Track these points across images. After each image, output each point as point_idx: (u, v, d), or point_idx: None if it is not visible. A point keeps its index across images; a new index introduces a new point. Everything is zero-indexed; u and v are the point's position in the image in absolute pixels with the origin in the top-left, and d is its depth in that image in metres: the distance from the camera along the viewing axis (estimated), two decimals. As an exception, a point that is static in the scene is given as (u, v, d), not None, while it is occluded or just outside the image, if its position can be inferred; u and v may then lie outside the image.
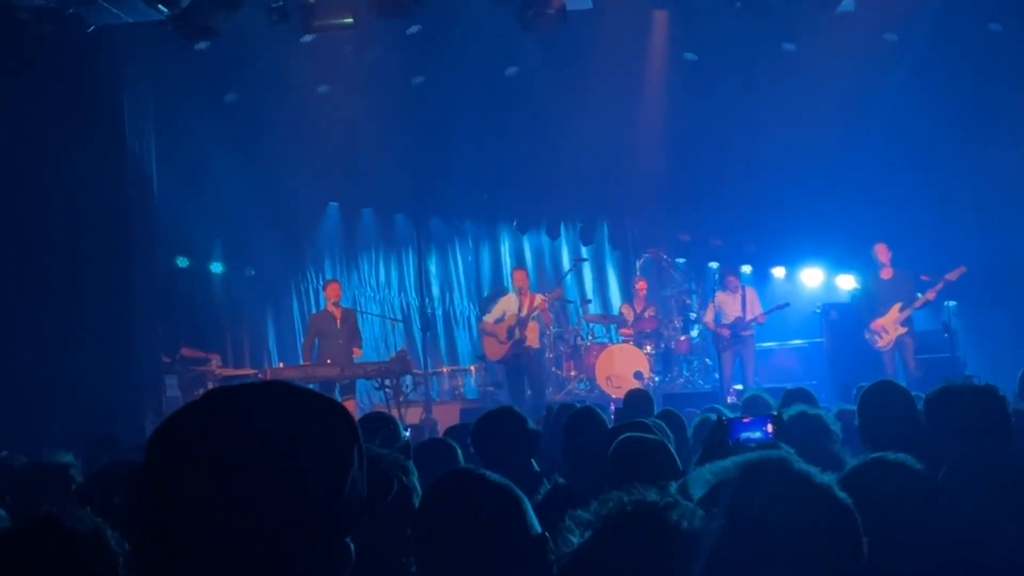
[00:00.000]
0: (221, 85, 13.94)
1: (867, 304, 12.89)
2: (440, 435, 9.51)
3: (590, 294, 17.89)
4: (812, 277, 17.01)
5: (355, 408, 13.06)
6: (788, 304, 14.60)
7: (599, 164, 15.62)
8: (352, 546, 1.47)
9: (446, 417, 12.75)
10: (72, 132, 11.06)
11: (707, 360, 15.35)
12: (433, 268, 18.31)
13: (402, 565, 2.87)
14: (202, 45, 12.11)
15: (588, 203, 17.25)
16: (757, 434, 3.39)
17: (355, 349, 13.04)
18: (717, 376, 14.37)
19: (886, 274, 12.70)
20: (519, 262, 17.93)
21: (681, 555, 1.65)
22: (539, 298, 13.58)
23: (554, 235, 18.58)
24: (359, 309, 16.74)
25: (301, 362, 13.12)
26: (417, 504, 2.98)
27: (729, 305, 14.11)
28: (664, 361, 14.62)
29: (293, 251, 16.53)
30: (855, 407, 5.09)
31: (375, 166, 15.34)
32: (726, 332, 13.93)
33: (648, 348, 14.36)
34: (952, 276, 12.28)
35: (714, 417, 5.92)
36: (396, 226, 18.11)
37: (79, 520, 2.27)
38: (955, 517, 3.04)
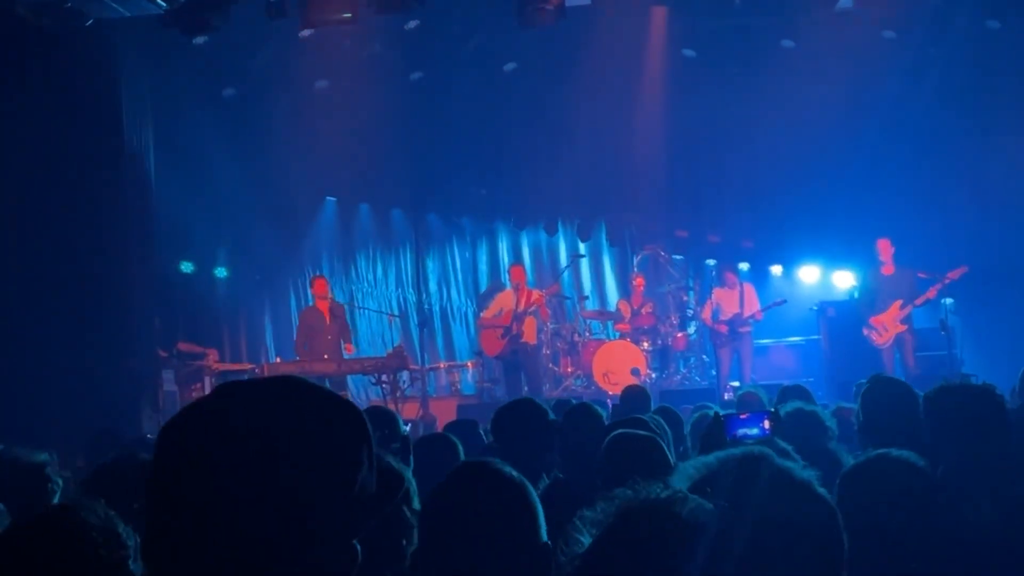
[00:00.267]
0: (219, 80, 13.93)
1: (867, 300, 12.87)
2: (437, 431, 9.53)
3: (587, 290, 17.91)
4: (809, 274, 17.04)
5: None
6: (785, 301, 14.61)
7: (597, 160, 15.62)
8: (359, 547, 1.46)
9: (443, 413, 12.75)
10: (70, 126, 11.04)
11: (704, 357, 15.37)
12: (430, 264, 18.31)
13: (396, 566, 2.86)
14: (200, 40, 12.10)
15: (586, 199, 17.25)
16: (754, 430, 3.39)
17: (347, 345, 13.00)
18: (714, 373, 14.39)
19: (887, 271, 12.69)
20: (516, 258, 17.95)
21: (693, 549, 1.65)
22: (536, 294, 13.58)
23: (552, 231, 18.59)
24: (356, 304, 16.75)
25: (297, 359, 13.10)
26: (416, 503, 2.97)
27: (727, 302, 14.12)
28: (661, 358, 14.63)
29: (290, 245, 16.51)
30: (853, 404, 5.10)
31: (372, 161, 15.32)
32: (724, 329, 13.94)
33: (645, 345, 14.36)
34: (954, 275, 12.27)
35: (711, 413, 5.94)
36: (393, 222, 18.10)
37: (92, 512, 2.27)
38: (956, 514, 3.05)
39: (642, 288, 15.12)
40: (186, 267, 14.38)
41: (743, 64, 14.23)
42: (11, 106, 10.69)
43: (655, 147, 15.36)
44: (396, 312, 17.25)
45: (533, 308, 13.47)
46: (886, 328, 12.48)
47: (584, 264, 18.22)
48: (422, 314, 16.18)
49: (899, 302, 12.50)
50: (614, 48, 13.85)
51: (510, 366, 13.60)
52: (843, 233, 15.42)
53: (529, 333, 13.54)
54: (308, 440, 1.41)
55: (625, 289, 16.83)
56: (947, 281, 12.32)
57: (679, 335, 14.87)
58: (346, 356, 12.99)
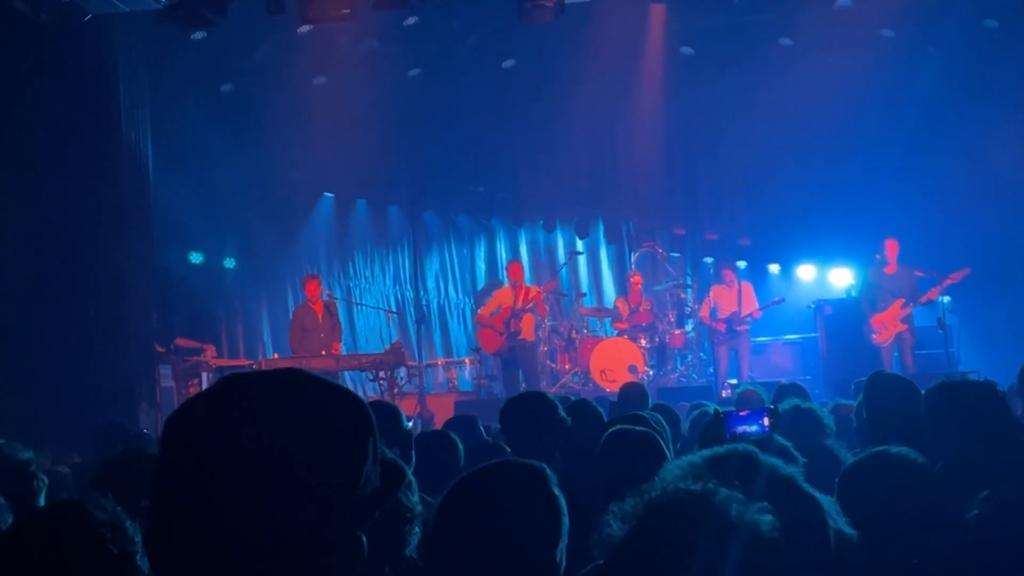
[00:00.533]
0: (217, 75, 13.91)
1: (868, 298, 12.87)
2: (434, 427, 9.53)
3: (585, 287, 17.91)
4: (807, 273, 17.06)
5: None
6: (783, 299, 14.63)
7: (595, 158, 15.65)
8: (365, 539, 1.45)
9: (441, 409, 12.76)
10: (67, 121, 11.03)
11: (701, 355, 15.37)
12: (428, 261, 18.30)
13: (395, 557, 2.86)
14: (198, 35, 12.09)
15: (584, 197, 17.26)
16: (754, 427, 3.39)
17: (335, 344, 12.99)
18: (711, 371, 14.39)
19: (890, 270, 12.69)
20: (514, 255, 17.95)
21: (727, 541, 1.65)
22: (534, 291, 13.59)
23: (550, 228, 18.59)
24: (354, 301, 16.74)
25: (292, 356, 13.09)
26: (416, 496, 2.97)
27: (725, 299, 14.13)
28: (658, 355, 14.62)
29: (287, 241, 16.50)
30: (852, 402, 5.11)
31: (370, 158, 15.31)
32: (721, 327, 13.96)
33: (643, 342, 14.36)
34: (957, 277, 12.26)
35: (710, 411, 5.95)
36: (391, 218, 18.10)
37: (99, 508, 2.26)
38: (955, 510, 3.05)
39: (640, 286, 15.11)
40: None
41: (741, 62, 14.25)
42: (9, 101, 10.69)
43: (653, 144, 15.38)
44: (394, 309, 17.25)
45: (531, 305, 13.48)
46: (886, 327, 12.48)
47: (582, 261, 18.22)
48: (419, 311, 16.16)
49: (900, 301, 12.49)
50: (612, 45, 13.86)
51: (508, 363, 13.60)
52: (841, 231, 15.45)
53: (527, 330, 13.55)
54: (315, 432, 1.41)
55: (623, 286, 16.82)
56: (949, 282, 12.30)
57: (677, 333, 14.87)
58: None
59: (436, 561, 2.41)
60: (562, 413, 4.89)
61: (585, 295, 16.87)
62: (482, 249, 18.93)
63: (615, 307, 15.43)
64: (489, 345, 13.71)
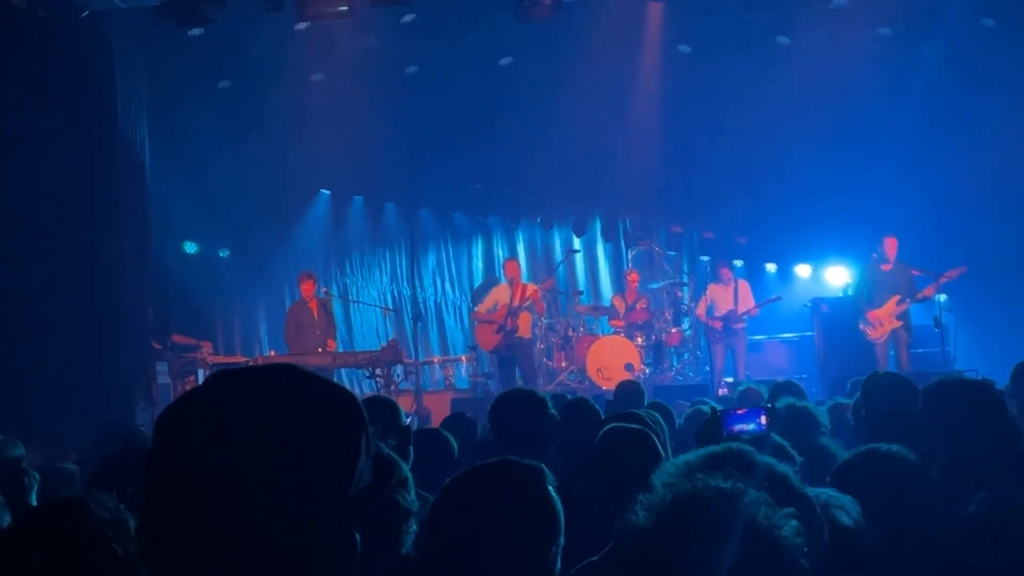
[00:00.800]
0: (215, 72, 13.91)
1: (865, 295, 12.87)
2: (431, 425, 9.54)
3: (582, 285, 17.91)
4: (803, 271, 17.08)
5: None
6: (780, 297, 14.64)
7: (592, 155, 15.64)
8: (358, 536, 1.44)
9: (437, 407, 12.77)
10: (65, 117, 11.01)
11: (698, 353, 15.39)
12: (425, 258, 18.30)
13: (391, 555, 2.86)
14: (196, 31, 12.08)
15: (581, 195, 17.26)
16: (751, 426, 3.40)
17: (329, 341, 12.99)
18: (708, 369, 14.40)
19: (887, 267, 12.69)
20: (511, 253, 17.96)
21: (751, 542, 1.66)
22: (531, 288, 13.59)
23: (546, 226, 18.59)
24: (350, 298, 16.75)
25: (288, 353, 13.09)
26: (413, 492, 2.97)
27: (721, 298, 14.14)
28: (655, 353, 14.63)
29: (284, 237, 16.51)
30: (849, 400, 5.11)
31: (367, 155, 15.32)
32: (718, 325, 13.96)
33: (639, 340, 14.37)
34: (952, 275, 12.26)
35: (705, 408, 5.96)
36: (388, 215, 18.10)
37: (101, 505, 2.26)
38: (949, 508, 3.06)
39: (636, 284, 15.12)
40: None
41: (739, 60, 14.24)
42: (6, 96, 10.67)
43: (650, 142, 15.37)
44: (390, 306, 17.25)
45: (528, 303, 13.49)
46: (881, 323, 12.48)
47: (578, 259, 18.23)
48: (416, 308, 16.17)
49: (896, 297, 12.49)
50: (610, 43, 13.86)
51: (505, 360, 13.61)
52: (837, 230, 15.46)
53: (524, 328, 13.55)
54: (307, 429, 1.40)
55: (619, 284, 16.84)
56: (944, 280, 12.31)
57: (673, 331, 14.88)
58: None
59: (431, 560, 2.40)
60: (552, 410, 4.87)
61: (582, 293, 16.87)
62: (479, 247, 18.93)
63: (612, 305, 15.44)
64: (486, 343, 13.71)
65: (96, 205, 11.25)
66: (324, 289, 13.74)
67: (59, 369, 10.52)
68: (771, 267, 17.39)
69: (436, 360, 16.27)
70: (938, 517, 2.97)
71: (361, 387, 14.71)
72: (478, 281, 18.13)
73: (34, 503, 4.26)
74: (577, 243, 18.14)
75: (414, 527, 2.83)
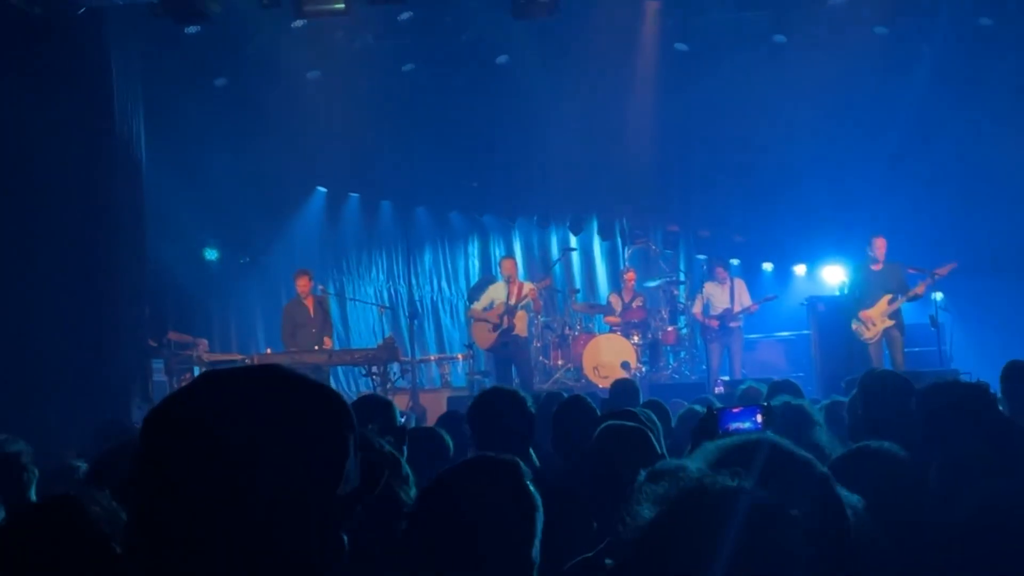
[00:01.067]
0: (211, 69, 13.90)
1: (856, 295, 12.88)
2: (427, 423, 9.54)
3: (578, 284, 17.92)
4: (800, 270, 17.10)
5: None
6: (776, 296, 14.66)
7: (589, 154, 15.64)
8: (345, 538, 1.44)
9: (433, 405, 12.78)
10: (60, 114, 10.99)
11: (694, 351, 15.39)
12: (421, 256, 18.29)
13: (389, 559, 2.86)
14: (192, 29, 12.07)
15: (577, 193, 17.25)
16: (747, 424, 3.40)
17: (326, 339, 12.99)
18: (704, 367, 14.41)
19: (877, 267, 12.70)
20: (508, 251, 17.95)
21: (755, 540, 1.66)
22: (528, 287, 13.58)
23: (543, 224, 18.59)
24: (347, 296, 16.74)
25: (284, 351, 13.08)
26: (413, 489, 2.97)
27: (717, 296, 14.15)
28: (651, 352, 14.63)
29: (281, 235, 16.50)
30: (846, 399, 5.11)
31: (364, 153, 15.33)
32: (714, 323, 13.97)
33: (636, 338, 14.37)
34: (942, 272, 12.25)
35: (698, 407, 5.97)
36: (384, 213, 18.09)
37: (96, 503, 2.25)
38: (940, 506, 3.06)
39: (633, 282, 15.12)
40: (176, 255, 14.33)
41: (735, 59, 14.26)
42: (1, 93, 10.65)
43: (647, 141, 15.37)
44: (386, 304, 17.25)
45: (526, 301, 13.48)
46: (874, 323, 12.47)
47: (575, 257, 18.23)
48: (412, 306, 16.16)
49: (887, 297, 12.49)
50: (607, 41, 13.86)
51: (501, 358, 13.61)
52: (834, 228, 15.46)
53: (520, 326, 13.55)
54: (293, 430, 1.39)
55: (616, 283, 16.84)
56: (936, 277, 12.30)
57: (670, 329, 14.89)
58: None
59: (414, 554, 2.42)
60: (531, 409, 4.86)
61: (578, 291, 16.88)
62: (475, 245, 18.92)
63: (608, 303, 15.44)
64: (482, 341, 13.71)
65: (92, 202, 11.23)
66: (321, 287, 13.73)
67: (55, 367, 10.50)
68: (768, 266, 17.40)
69: (432, 358, 16.26)
70: (928, 515, 2.98)
71: (357, 385, 14.72)
72: (475, 279, 18.11)
73: (34, 499, 4.25)
74: (574, 241, 18.14)
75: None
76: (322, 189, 17.21)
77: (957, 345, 13.53)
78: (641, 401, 7.00)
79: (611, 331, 14.61)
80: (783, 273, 17.23)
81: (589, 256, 18.74)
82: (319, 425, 1.42)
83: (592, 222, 18.48)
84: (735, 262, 16.76)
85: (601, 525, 3.54)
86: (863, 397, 4.83)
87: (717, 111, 15.00)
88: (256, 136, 14.42)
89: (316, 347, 12.60)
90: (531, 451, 4.77)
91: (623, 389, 7.73)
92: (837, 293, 14.99)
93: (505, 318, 13.32)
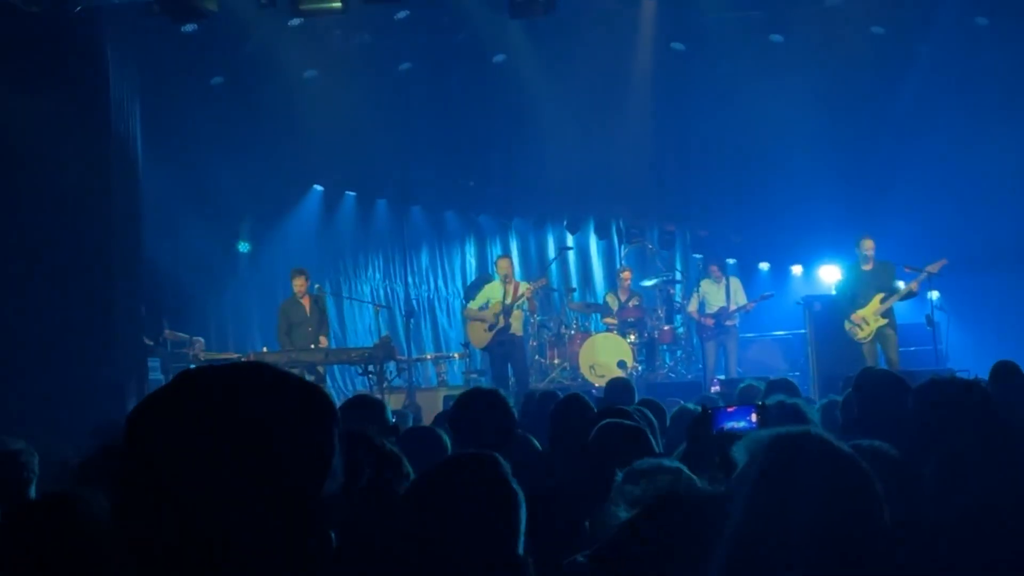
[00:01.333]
0: (208, 68, 13.88)
1: (848, 296, 12.87)
2: (423, 422, 9.54)
3: (575, 283, 17.93)
4: (796, 269, 17.13)
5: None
6: (772, 294, 14.67)
7: (586, 153, 15.63)
8: (333, 535, 1.42)
9: (429, 404, 12.76)
10: (57, 113, 10.99)
11: (691, 350, 15.41)
12: (418, 255, 18.29)
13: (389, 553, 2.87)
14: (189, 27, 12.05)
15: (574, 192, 17.26)
16: (742, 424, 3.41)
17: (322, 338, 12.97)
18: (700, 366, 14.42)
19: (867, 266, 12.69)
20: (504, 250, 17.95)
21: (721, 545, 1.67)
22: (524, 286, 13.57)
23: (540, 223, 18.60)
24: (343, 295, 16.73)
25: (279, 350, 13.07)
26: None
27: (713, 295, 14.16)
28: (647, 351, 14.64)
29: (277, 233, 16.49)
30: (841, 398, 5.12)
31: (360, 151, 15.31)
32: (710, 322, 13.98)
33: (632, 337, 14.37)
34: (933, 268, 12.24)
35: (692, 406, 5.98)
36: (380, 212, 18.08)
37: (88, 501, 2.25)
38: (931, 504, 3.07)
39: (629, 281, 15.14)
40: (172, 253, 14.32)
41: (732, 58, 14.26)
42: (-2, 92, 10.67)
43: (644, 140, 15.38)
44: (383, 303, 17.24)
45: (521, 301, 13.48)
46: (866, 323, 12.45)
47: (572, 256, 18.23)
48: (409, 305, 16.16)
49: (879, 296, 12.47)
50: (603, 40, 13.86)
51: (497, 357, 13.60)
52: (830, 228, 15.48)
53: (516, 325, 13.54)
54: (277, 426, 1.37)
55: (612, 282, 16.85)
56: (927, 274, 12.28)
57: (666, 328, 14.90)
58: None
59: (401, 549, 2.44)
60: (513, 408, 4.88)
61: (575, 290, 16.89)
62: (472, 244, 18.92)
63: (605, 302, 15.45)
64: (478, 340, 13.70)
65: (87, 201, 11.22)
66: (317, 286, 13.71)
67: (51, 365, 10.49)
68: (764, 265, 17.42)
69: (429, 357, 16.24)
70: (922, 514, 2.98)
71: (354, 384, 14.71)
72: (472, 278, 18.11)
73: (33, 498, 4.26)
74: (570, 240, 18.14)
75: None
76: (319, 187, 17.20)
77: (955, 344, 13.54)
78: (636, 400, 7.01)
79: (607, 330, 14.62)
80: (780, 272, 17.25)
81: (586, 255, 18.75)
82: (303, 421, 1.40)
83: (589, 221, 18.49)
84: (731, 261, 16.78)
85: (594, 524, 3.55)
86: (858, 396, 4.84)
87: (714, 111, 15.01)
88: (253, 134, 14.40)
89: (312, 346, 12.60)
90: (513, 448, 4.80)
91: (618, 388, 7.75)
92: (834, 291, 15.01)
93: (501, 317, 13.32)
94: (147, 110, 12.31)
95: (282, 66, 13.85)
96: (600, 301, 16.26)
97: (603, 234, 18.51)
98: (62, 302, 10.84)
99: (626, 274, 15.20)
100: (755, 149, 15.24)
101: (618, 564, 1.74)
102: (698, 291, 14.31)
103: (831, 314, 13.36)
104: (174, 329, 13.39)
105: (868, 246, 12.57)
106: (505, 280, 13.53)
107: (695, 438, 3.62)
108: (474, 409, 4.86)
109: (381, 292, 17.99)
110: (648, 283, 15.62)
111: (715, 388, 12.46)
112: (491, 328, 13.35)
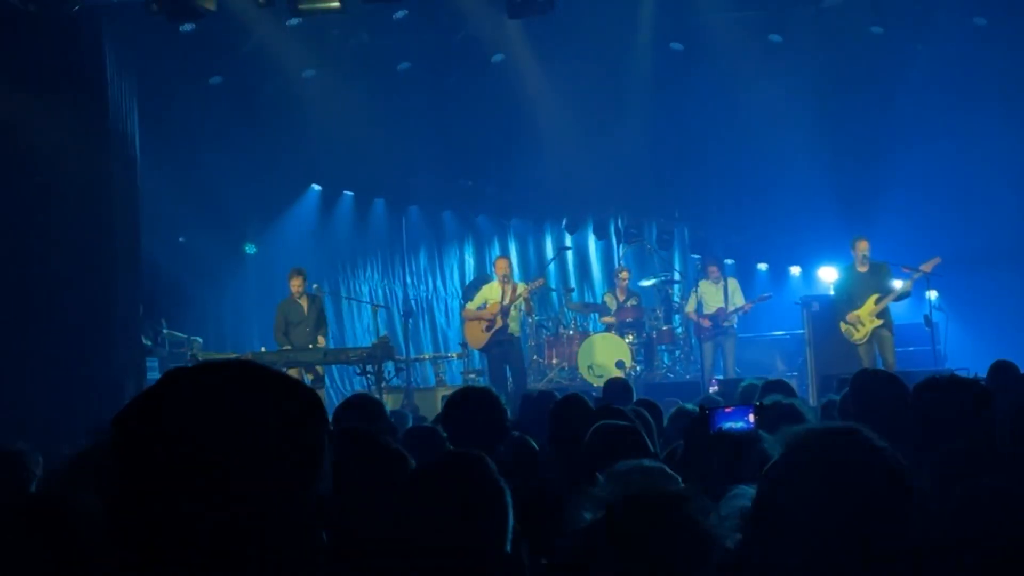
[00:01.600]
0: (206, 67, 13.87)
1: (844, 297, 12.85)
2: (422, 421, 9.53)
3: (573, 283, 17.92)
4: (795, 269, 17.13)
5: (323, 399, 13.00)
6: (770, 295, 14.66)
7: (585, 152, 15.62)
8: (324, 535, 1.40)
9: (427, 404, 12.75)
10: (55, 112, 10.99)
11: (689, 350, 15.40)
12: (416, 255, 18.28)
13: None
14: (188, 27, 12.05)
15: (573, 192, 17.25)
16: (740, 424, 3.41)
17: (320, 338, 12.96)
18: (699, 367, 14.42)
19: (863, 267, 12.67)
20: (503, 250, 17.95)
21: (690, 549, 1.67)
22: (522, 287, 13.56)
23: (538, 223, 18.60)
24: (341, 294, 16.72)
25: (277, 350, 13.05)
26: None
27: (711, 295, 14.15)
28: (646, 351, 14.64)
29: (276, 233, 16.48)
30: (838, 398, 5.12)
31: (359, 151, 15.30)
32: (707, 323, 13.97)
33: (630, 338, 14.36)
34: (927, 267, 12.21)
35: (690, 406, 5.98)
36: (378, 211, 18.08)
37: (79, 501, 2.24)
38: (927, 505, 3.07)
39: (627, 281, 15.13)
40: (171, 253, 14.30)
41: (730, 58, 14.25)
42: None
43: (642, 140, 15.38)
44: (381, 303, 17.23)
45: (519, 301, 13.47)
46: (862, 323, 12.42)
47: (570, 256, 18.23)
48: (407, 305, 16.15)
49: (875, 297, 12.43)
50: (602, 40, 13.86)
51: (495, 358, 13.59)
52: (828, 228, 15.48)
53: (514, 325, 13.53)
54: (265, 425, 1.36)
55: (611, 282, 16.85)
56: (921, 274, 12.25)
57: (664, 328, 14.90)
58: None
59: (391, 550, 2.45)
60: (505, 408, 4.89)
61: (573, 290, 16.88)
62: (470, 244, 18.91)
63: (603, 302, 15.45)
64: (475, 341, 13.68)
65: (86, 200, 11.23)
66: (315, 286, 13.71)
67: (50, 365, 10.50)
68: (763, 266, 17.42)
69: (427, 357, 16.24)
70: (917, 513, 2.98)
71: (352, 384, 14.70)
72: (470, 278, 18.11)
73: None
74: (569, 240, 18.14)
75: None
76: (317, 187, 17.19)
77: (953, 343, 13.54)
78: (634, 400, 7.01)
79: (606, 330, 14.61)
80: (778, 273, 17.25)
81: (584, 255, 18.75)
82: (290, 420, 1.38)
83: (587, 221, 18.49)
84: (730, 261, 16.77)
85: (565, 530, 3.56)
86: (855, 396, 4.84)
87: (713, 110, 15.02)
88: (251, 134, 14.40)
89: (311, 346, 12.59)
90: (509, 447, 4.81)
91: (616, 388, 7.75)
92: (832, 292, 15.01)
93: (499, 318, 13.31)
94: (145, 109, 12.32)
95: (280, 66, 13.85)
96: (598, 301, 16.25)
97: (601, 234, 18.50)
98: (60, 301, 10.84)
99: (624, 274, 15.19)
100: (754, 149, 15.24)
101: (580, 566, 1.74)
102: (696, 292, 14.29)
103: (829, 315, 13.35)
104: (172, 329, 13.38)
105: (862, 247, 12.53)
106: (503, 280, 13.52)
107: (691, 438, 3.62)
108: (465, 408, 4.87)
109: (379, 292, 17.99)
110: (646, 283, 15.61)
111: (713, 388, 12.45)
112: (488, 329, 13.34)
